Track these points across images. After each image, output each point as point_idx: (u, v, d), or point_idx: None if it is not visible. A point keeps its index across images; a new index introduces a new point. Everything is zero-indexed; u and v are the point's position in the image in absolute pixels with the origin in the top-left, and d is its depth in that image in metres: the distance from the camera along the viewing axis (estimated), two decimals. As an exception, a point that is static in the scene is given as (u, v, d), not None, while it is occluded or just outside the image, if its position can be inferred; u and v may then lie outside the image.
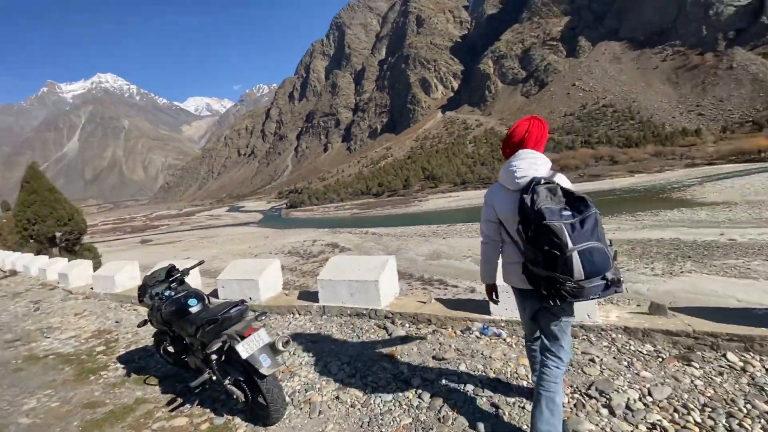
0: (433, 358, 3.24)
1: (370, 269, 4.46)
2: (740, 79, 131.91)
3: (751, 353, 2.73)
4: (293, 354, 3.65)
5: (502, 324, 3.57)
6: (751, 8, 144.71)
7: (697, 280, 14.52)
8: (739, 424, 2.13)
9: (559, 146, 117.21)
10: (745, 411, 2.23)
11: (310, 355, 3.62)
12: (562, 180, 1.97)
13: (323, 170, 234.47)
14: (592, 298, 1.78)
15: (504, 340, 3.43)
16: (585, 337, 3.23)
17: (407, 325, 4.01)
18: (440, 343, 3.50)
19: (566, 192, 1.85)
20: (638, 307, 3.58)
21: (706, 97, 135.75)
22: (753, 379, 2.50)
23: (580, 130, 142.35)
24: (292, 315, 4.88)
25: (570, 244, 1.66)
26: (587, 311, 3.27)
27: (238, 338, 2.52)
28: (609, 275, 1.72)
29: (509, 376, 2.85)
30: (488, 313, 3.70)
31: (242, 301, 2.76)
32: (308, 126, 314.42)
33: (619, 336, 3.13)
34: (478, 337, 3.52)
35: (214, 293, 5.78)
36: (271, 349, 2.49)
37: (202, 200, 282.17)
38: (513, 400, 2.55)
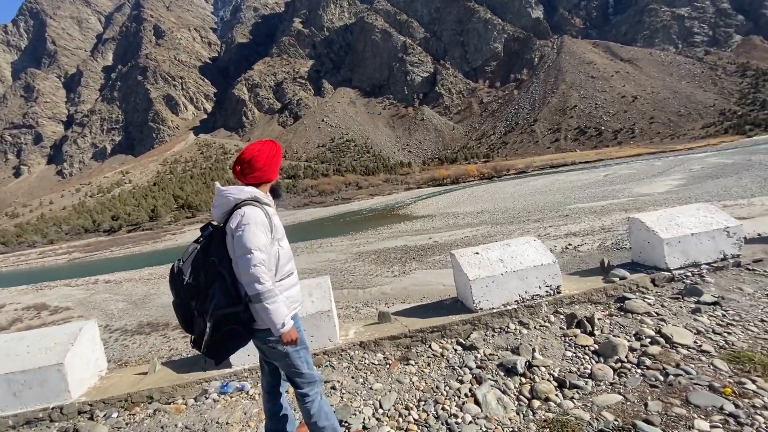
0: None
1: (48, 348, 3.03)
2: (429, 128, 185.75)
3: (445, 339, 3.33)
4: None
5: (245, 374, 3.11)
6: (430, 78, 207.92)
7: (420, 274, 18.57)
8: (443, 408, 2.48)
9: (317, 173, 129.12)
10: (445, 393, 2.62)
11: None
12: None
13: (14, 202, 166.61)
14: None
15: (247, 393, 2.97)
16: (328, 363, 3.22)
17: (115, 414, 2.91)
18: (162, 428, 2.67)
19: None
20: (371, 319, 3.92)
21: (412, 139, 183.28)
22: (448, 361, 3.06)
23: (331, 159, 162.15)
24: None
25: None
26: (328, 335, 3.28)
27: None
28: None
29: (249, 441, 2.41)
30: (229, 365, 3.16)
31: None
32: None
33: (356, 352, 3.28)
34: (215, 401, 2.91)
35: None
36: None
37: None
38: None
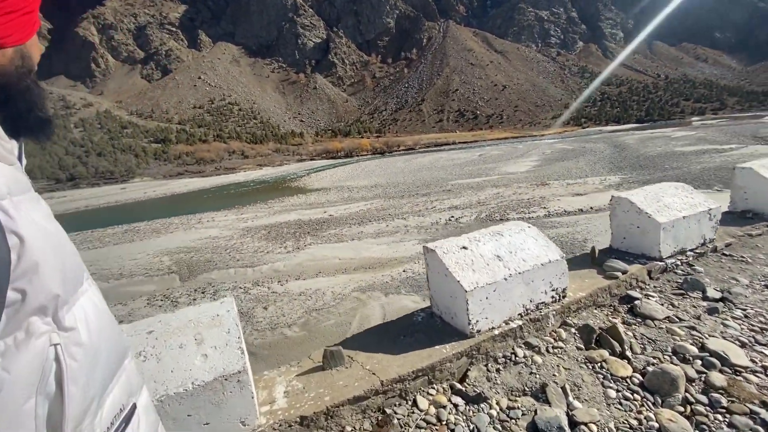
0: None
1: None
2: (322, 98, 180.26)
3: (435, 386, 2.20)
4: None
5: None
6: (323, 45, 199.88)
7: (315, 249, 18.07)
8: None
9: (193, 138, 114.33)
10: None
11: None
12: None
13: None
14: None
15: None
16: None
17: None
18: None
19: None
20: (309, 361, 2.35)
21: (303, 107, 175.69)
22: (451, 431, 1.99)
23: (211, 123, 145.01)
24: None
25: None
26: (240, 414, 1.77)
27: None
28: None
29: None
30: None
31: None
32: None
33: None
34: None
35: None
36: None
37: None
38: None
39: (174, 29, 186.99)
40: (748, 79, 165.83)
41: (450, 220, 20.83)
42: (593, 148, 55.17)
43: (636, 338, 2.49)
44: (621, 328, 2.50)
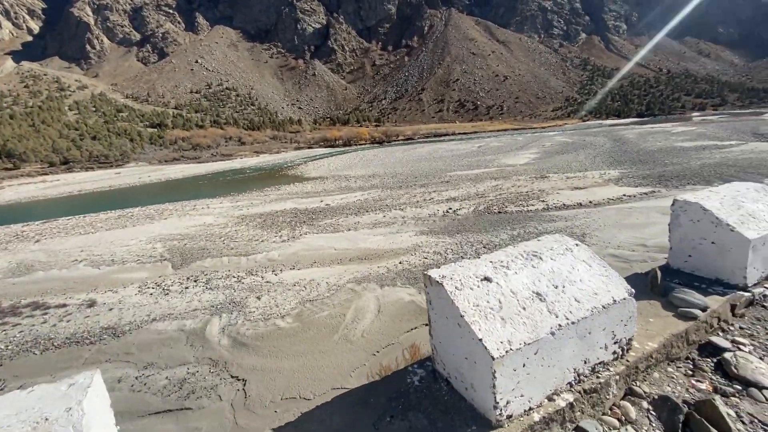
0: None
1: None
2: (320, 85, 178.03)
3: None
4: None
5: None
6: (323, 31, 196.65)
7: (310, 239, 17.91)
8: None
9: (189, 123, 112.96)
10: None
11: None
12: None
13: None
14: None
15: None
16: None
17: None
18: None
19: None
20: None
21: (302, 94, 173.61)
22: None
23: (208, 109, 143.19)
24: None
25: None
26: None
27: None
28: None
29: None
30: None
31: None
32: None
33: None
34: None
35: None
36: None
37: None
38: None
39: (171, 11, 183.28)
40: (750, 76, 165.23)
41: (448, 212, 20.67)
42: (593, 142, 54.90)
43: (744, 422, 1.59)
44: (720, 405, 1.61)
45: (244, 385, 7.57)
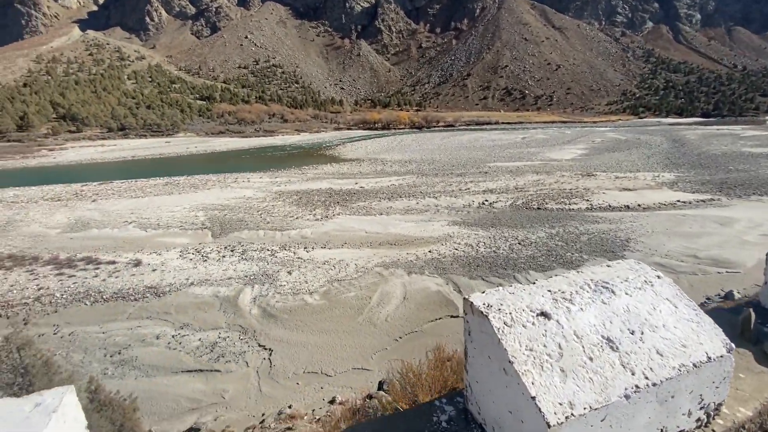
0: None
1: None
2: (364, 66, 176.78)
3: None
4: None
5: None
6: (371, 11, 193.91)
7: (343, 220, 18.13)
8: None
9: (236, 98, 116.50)
10: None
11: None
12: None
13: None
14: None
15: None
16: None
17: None
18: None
19: None
20: None
21: (345, 75, 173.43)
22: None
23: (254, 84, 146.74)
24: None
25: None
26: None
27: None
28: None
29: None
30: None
31: None
32: None
33: None
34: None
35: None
36: None
37: None
38: None
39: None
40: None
41: (483, 203, 20.14)
42: (649, 141, 51.16)
43: None
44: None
45: (270, 354, 7.86)
